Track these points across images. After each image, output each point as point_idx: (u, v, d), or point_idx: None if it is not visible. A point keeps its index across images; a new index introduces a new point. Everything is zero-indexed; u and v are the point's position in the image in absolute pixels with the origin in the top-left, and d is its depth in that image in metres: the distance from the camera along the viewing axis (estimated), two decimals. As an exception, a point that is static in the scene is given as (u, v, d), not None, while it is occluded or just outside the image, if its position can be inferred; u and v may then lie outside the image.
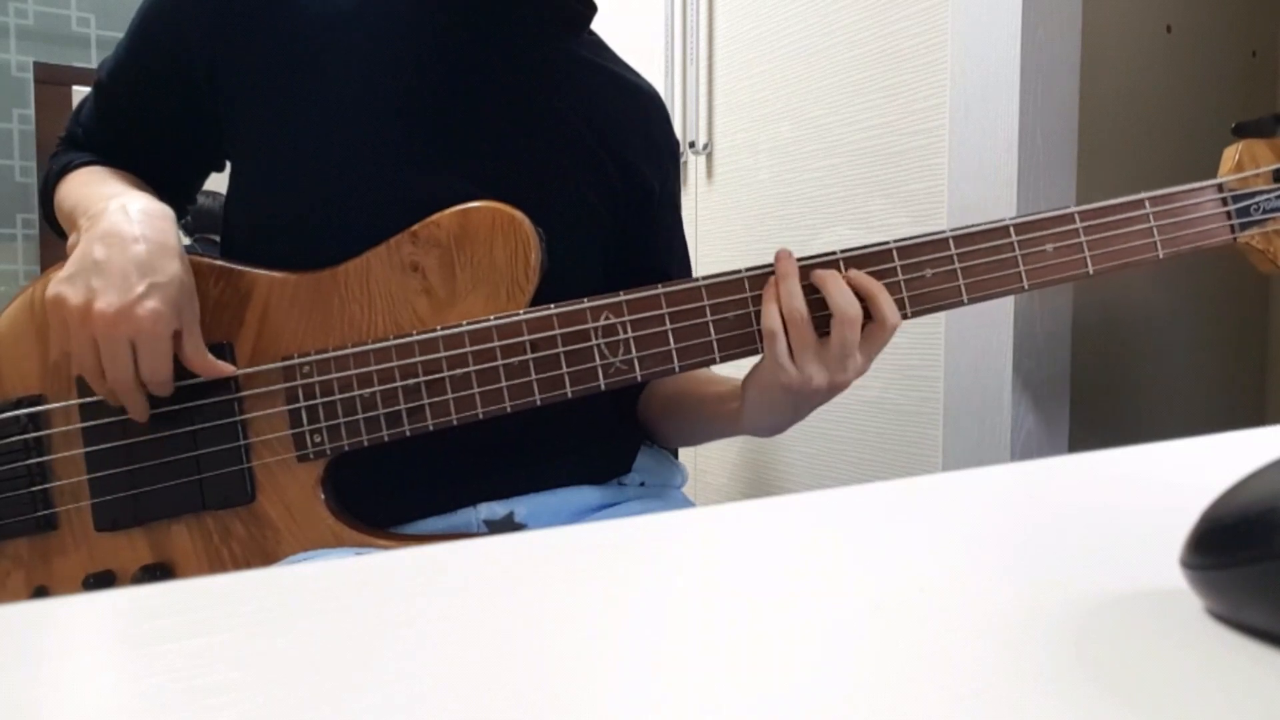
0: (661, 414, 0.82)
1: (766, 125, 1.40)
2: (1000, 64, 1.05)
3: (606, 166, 0.76)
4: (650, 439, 0.85)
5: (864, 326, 0.64)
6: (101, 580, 0.64)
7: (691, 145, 1.53)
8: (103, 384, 0.61)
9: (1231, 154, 0.71)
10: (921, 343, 1.17)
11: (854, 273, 0.65)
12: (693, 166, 1.55)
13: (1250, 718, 0.16)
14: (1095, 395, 1.32)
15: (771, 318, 0.64)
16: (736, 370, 0.70)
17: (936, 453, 1.15)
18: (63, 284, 0.60)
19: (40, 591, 0.65)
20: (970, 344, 1.10)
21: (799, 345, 0.64)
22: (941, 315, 1.14)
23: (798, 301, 0.64)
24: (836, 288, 0.64)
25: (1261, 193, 0.70)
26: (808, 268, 0.65)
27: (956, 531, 0.28)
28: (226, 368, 0.63)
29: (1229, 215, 0.69)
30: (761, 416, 0.70)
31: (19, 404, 0.65)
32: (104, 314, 0.58)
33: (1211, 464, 0.37)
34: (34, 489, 0.64)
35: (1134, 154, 1.36)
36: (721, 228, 1.50)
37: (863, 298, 0.64)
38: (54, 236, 0.76)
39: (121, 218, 0.62)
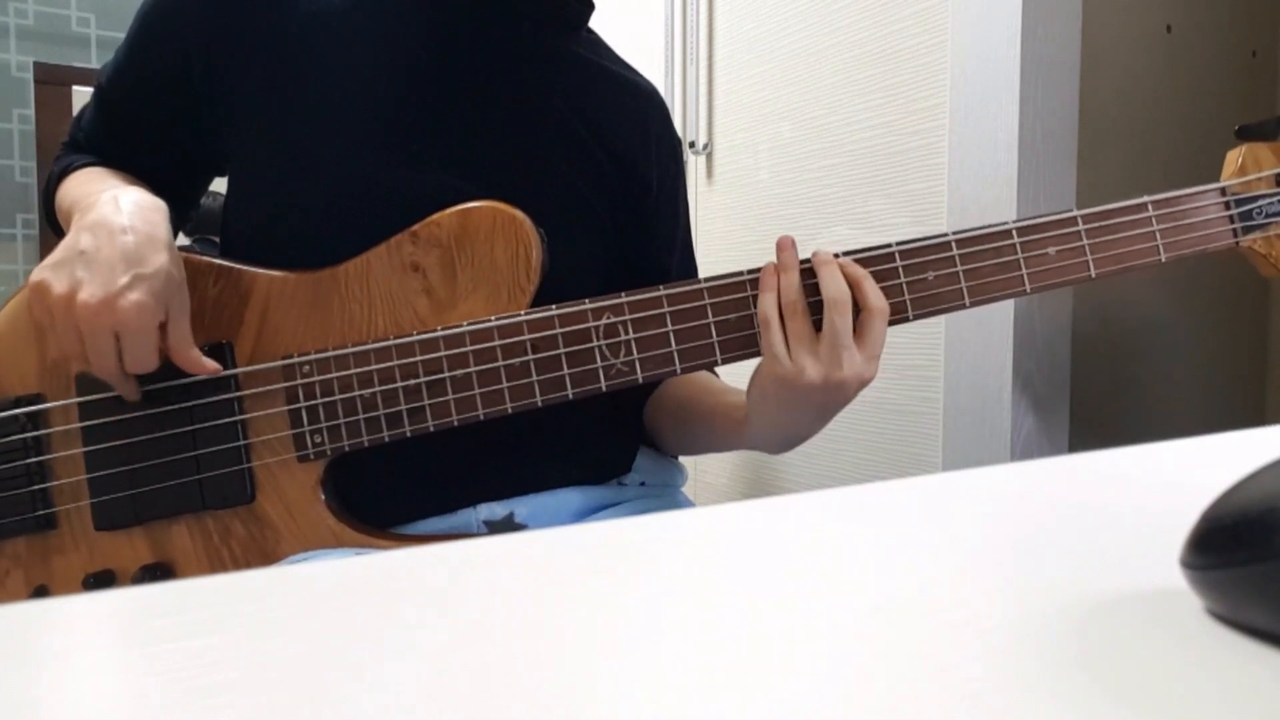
0: (669, 423, 0.81)
1: (766, 125, 1.40)
2: (1000, 64, 1.05)
3: (602, 164, 0.76)
4: (654, 445, 0.84)
5: (855, 316, 0.63)
6: (101, 579, 0.64)
7: (691, 145, 1.53)
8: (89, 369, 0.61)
9: (1234, 157, 0.71)
10: (921, 343, 1.17)
11: (843, 259, 0.65)
12: (693, 166, 1.55)
13: (1250, 718, 0.16)
14: (1095, 395, 1.32)
15: (768, 305, 0.64)
16: (740, 377, 0.70)
17: (936, 453, 1.15)
18: (47, 271, 0.59)
19: (40, 591, 0.65)
20: (970, 344, 1.10)
21: (794, 336, 0.64)
22: (941, 316, 1.14)
23: (795, 293, 0.64)
24: (830, 273, 0.64)
25: (1264, 196, 0.69)
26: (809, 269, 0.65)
27: (956, 531, 0.28)
28: (212, 365, 0.63)
29: (1231, 219, 0.69)
30: (765, 423, 0.68)
31: (17, 403, 0.65)
32: (87, 304, 0.58)
33: (1211, 464, 0.37)
34: (33, 488, 0.64)
35: (1134, 154, 1.36)
36: (721, 228, 1.50)
37: (850, 284, 0.64)
38: (55, 237, 0.76)
39: (111, 208, 0.62)
